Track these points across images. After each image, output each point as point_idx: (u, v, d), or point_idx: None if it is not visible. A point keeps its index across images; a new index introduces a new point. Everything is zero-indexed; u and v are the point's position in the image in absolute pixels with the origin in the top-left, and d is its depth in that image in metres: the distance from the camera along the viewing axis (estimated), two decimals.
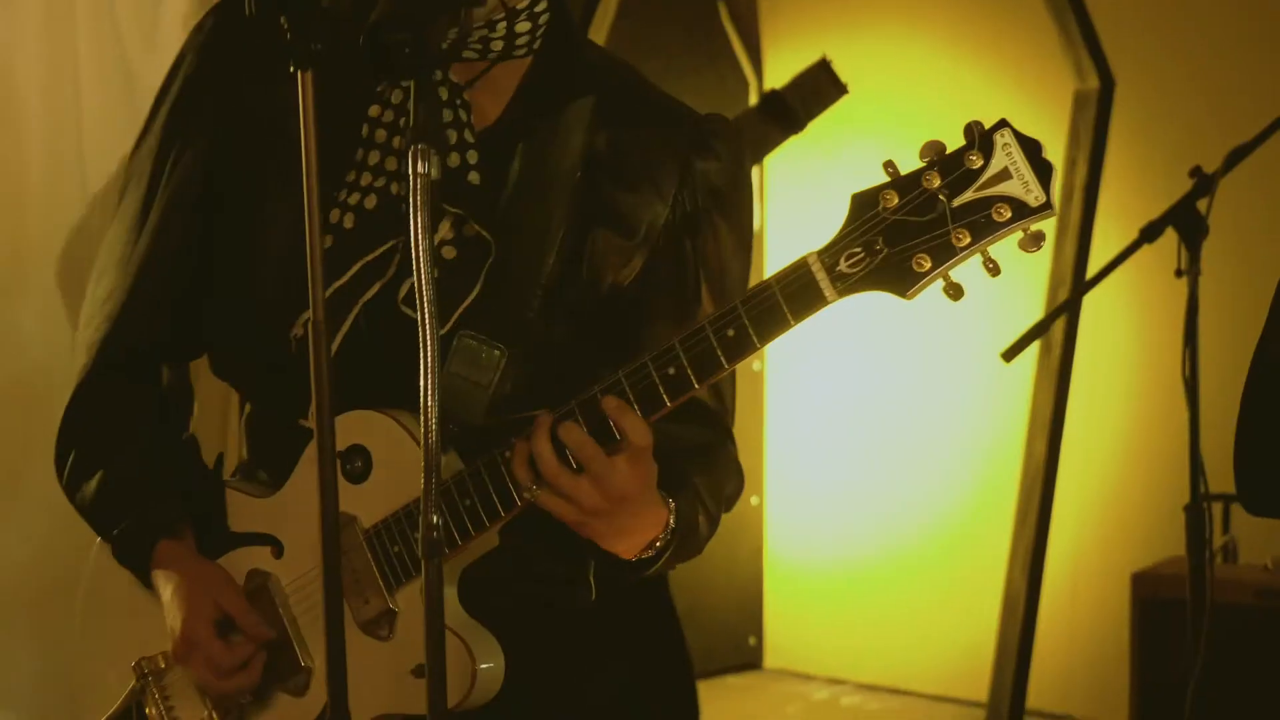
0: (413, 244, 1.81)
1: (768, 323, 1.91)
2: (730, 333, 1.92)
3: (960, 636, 6.05)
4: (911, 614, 6.23)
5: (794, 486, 6.47)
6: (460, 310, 2.08)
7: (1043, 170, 1.83)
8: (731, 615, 6.45)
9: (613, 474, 1.96)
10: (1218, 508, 4.84)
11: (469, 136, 2.11)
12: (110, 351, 2.23)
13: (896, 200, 1.87)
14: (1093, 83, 5.23)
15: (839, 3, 6.18)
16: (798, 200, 6.25)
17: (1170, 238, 3.66)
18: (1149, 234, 3.70)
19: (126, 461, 2.20)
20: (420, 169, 1.84)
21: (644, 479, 1.99)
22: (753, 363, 6.41)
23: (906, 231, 1.87)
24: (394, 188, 2.10)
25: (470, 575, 2.07)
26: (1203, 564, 3.67)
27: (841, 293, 1.90)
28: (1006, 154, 1.84)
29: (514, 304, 2.09)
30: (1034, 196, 1.83)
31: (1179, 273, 3.61)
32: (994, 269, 1.86)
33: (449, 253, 2.09)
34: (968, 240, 1.84)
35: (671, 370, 1.93)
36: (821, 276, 1.89)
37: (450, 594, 2.05)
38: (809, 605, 6.44)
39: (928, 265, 1.86)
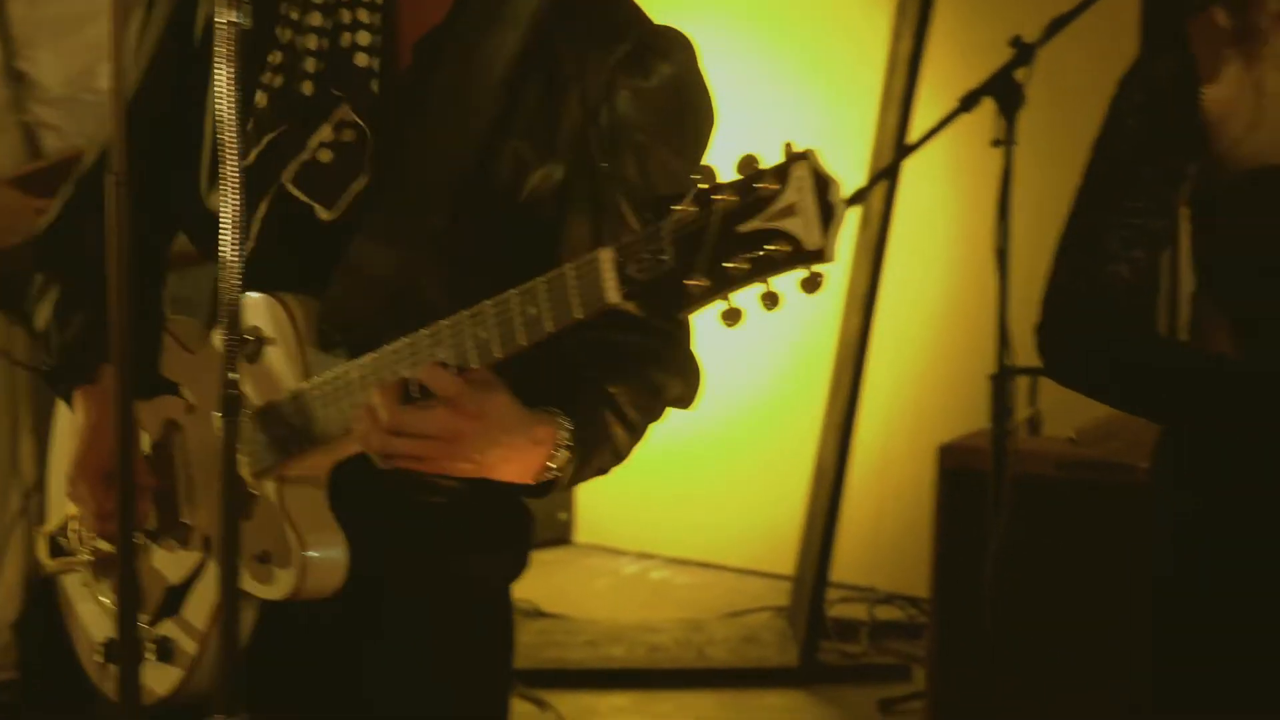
0: (216, 100, 1.81)
1: (558, 309, 1.86)
2: (532, 311, 1.87)
3: (770, 511, 6.09)
4: (722, 489, 6.26)
5: None
6: (350, 198, 2.06)
7: (827, 212, 1.72)
8: None
9: (429, 422, 1.94)
10: (1025, 381, 4.89)
11: (364, 17, 2.08)
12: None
13: (694, 213, 1.77)
14: None
15: None
16: None
17: (989, 108, 3.66)
18: (967, 103, 3.69)
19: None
20: (231, 18, 1.83)
21: (476, 412, 1.95)
22: None
23: (693, 248, 1.77)
24: (309, 65, 2.09)
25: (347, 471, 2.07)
26: (1004, 434, 3.70)
27: (625, 298, 1.82)
28: (798, 188, 1.73)
29: (418, 203, 2.05)
30: (812, 239, 1.72)
31: (996, 142, 3.61)
32: (772, 301, 1.76)
33: (328, 136, 2.07)
34: (746, 270, 1.75)
35: (484, 334, 1.90)
36: (609, 275, 1.82)
37: (313, 492, 2.07)
38: (620, 480, 6.37)
39: (705, 286, 1.77)
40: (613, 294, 1.81)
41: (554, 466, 2.05)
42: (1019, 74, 3.60)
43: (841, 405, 5.35)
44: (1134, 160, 2.24)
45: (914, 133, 5.15)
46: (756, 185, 1.74)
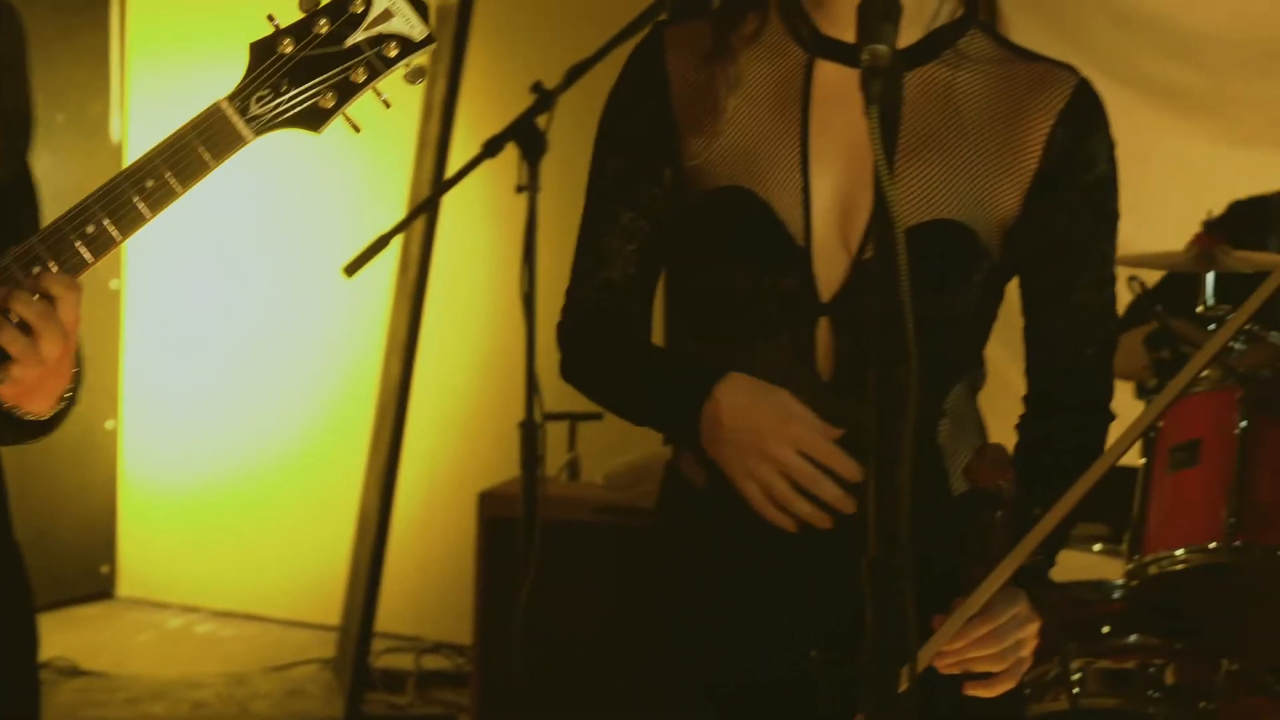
0: None
1: (187, 169, 2.01)
2: (150, 184, 1.99)
3: (315, 560, 6.01)
4: (267, 538, 6.15)
5: (152, 409, 6.31)
6: None
7: (419, 7, 2.00)
8: (82, 543, 6.25)
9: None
10: (565, 426, 4.92)
11: None
12: None
13: (293, 46, 2.01)
14: None
15: None
16: (161, 107, 6.06)
17: (514, 153, 3.67)
18: (491, 149, 3.70)
19: None
20: None
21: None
22: (110, 280, 6.20)
23: (309, 72, 2.01)
24: None
25: None
26: (534, 481, 3.72)
27: (258, 131, 2.02)
28: None
29: None
30: (417, 31, 2.00)
31: (520, 188, 3.62)
32: (356, 128, 2.06)
33: None
34: (364, 76, 2.01)
35: (91, 229, 1.99)
36: (236, 119, 2.00)
37: None
38: (165, 531, 6.30)
39: (333, 102, 2.02)
40: (247, 133, 2.02)
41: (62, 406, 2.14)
42: (540, 120, 3.62)
43: (384, 452, 5.30)
44: (620, 165, 2.27)
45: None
46: (347, 5, 2.01)
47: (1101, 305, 2.28)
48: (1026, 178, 2.19)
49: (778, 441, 2.12)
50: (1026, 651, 2.16)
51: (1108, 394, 2.33)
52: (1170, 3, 5.20)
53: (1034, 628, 2.16)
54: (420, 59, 2.03)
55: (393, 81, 2.04)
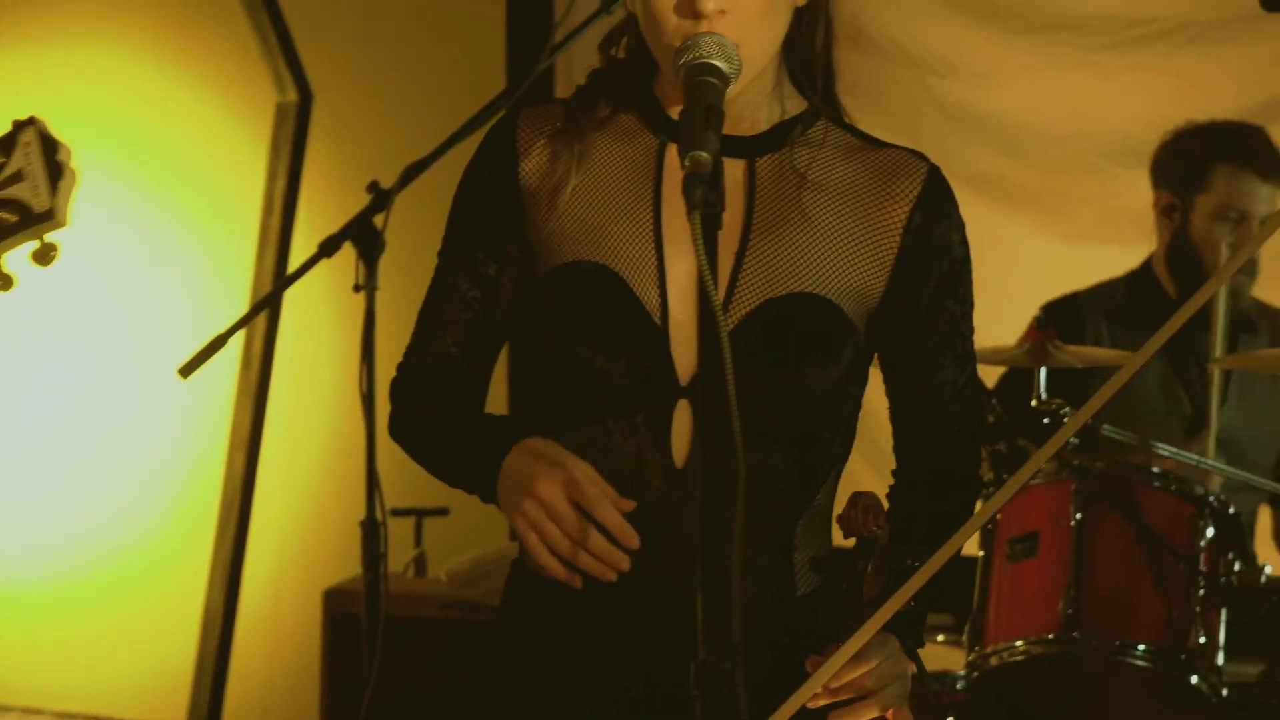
0: None
1: None
2: None
3: (160, 657, 5.92)
4: (110, 635, 6.05)
5: None
6: None
7: (55, 173, 1.71)
8: None
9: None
10: (411, 522, 4.90)
11: None
12: None
13: None
14: (292, 95, 5.22)
15: (27, 11, 5.94)
16: None
17: (351, 252, 3.66)
18: (327, 249, 3.67)
19: None
20: None
21: None
22: None
23: None
24: None
25: None
26: (376, 579, 3.69)
27: None
28: (26, 154, 1.70)
29: None
30: (40, 202, 1.71)
31: (357, 287, 3.60)
32: (5, 283, 1.74)
33: None
34: None
35: None
36: None
37: None
38: (4, 629, 6.18)
39: None
40: None
41: None
42: (378, 219, 3.61)
43: (228, 549, 5.25)
44: (465, 237, 2.29)
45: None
46: None
47: (965, 383, 2.31)
48: (888, 262, 2.21)
49: (547, 484, 2.11)
50: (895, 690, 2.17)
51: (975, 464, 2.35)
52: (1001, 101, 5.31)
53: (906, 669, 2.18)
54: (49, 233, 1.69)
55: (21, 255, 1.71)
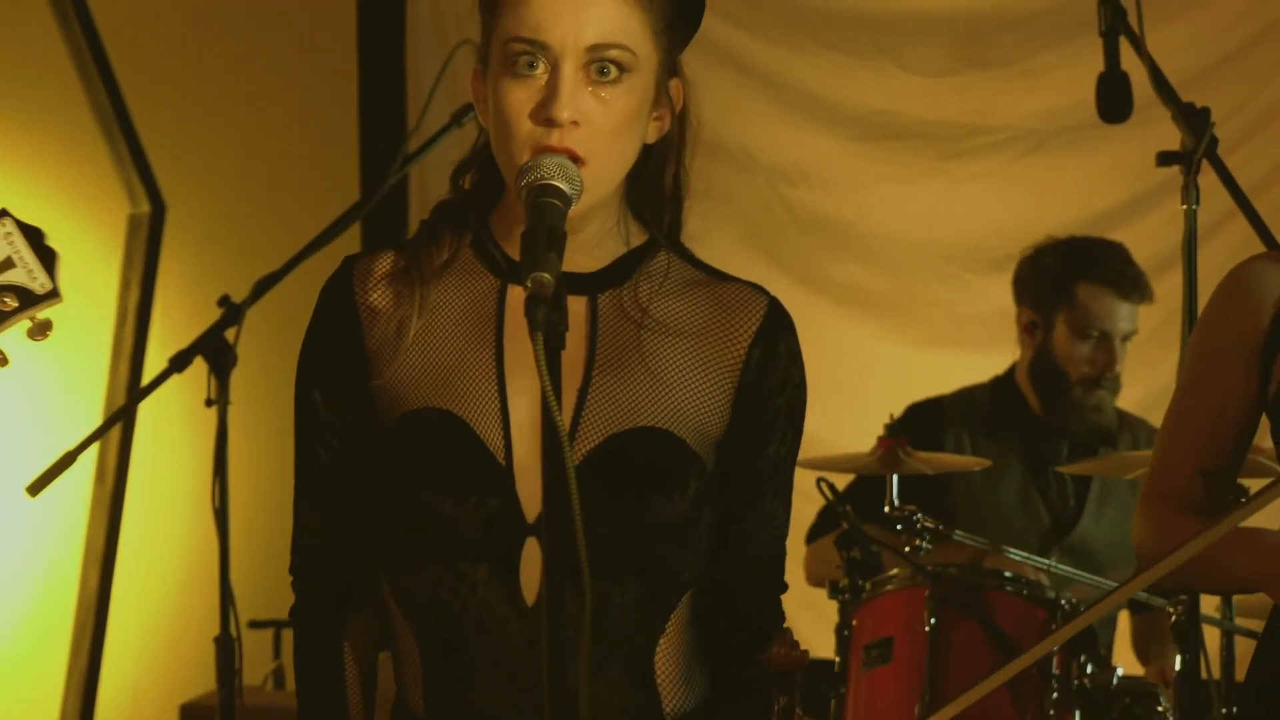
0: None
1: None
2: None
3: None
4: None
5: None
6: None
7: (46, 257, 1.88)
8: None
9: None
10: (267, 634, 4.85)
11: None
12: None
13: None
14: (145, 206, 5.19)
15: None
16: None
17: (204, 365, 3.63)
18: (178, 363, 3.65)
19: None
20: None
21: None
22: None
23: None
24: None
25: None
26: (231, 693, 3.66)
27: None
28: (9, 242, 1.85)
29: None
30: (39, 284, 1.89)
31: (209, 402, 3.58)
32: (2, 360, 1.89)
33: None
34: None
35: None
36: None
37: None
38: None
39: None
40: None
41: None
42: (229, 333, 3.60)
43: (84, 664, 5.17)
44: (321, 399, 2.26)
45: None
46: None
47: (785, 517, 2.31)
48: (729, 395, 2.22)
49: None
50: None
51: (777, 620, 2.34)
52: (852, 207, 5.41)
53: None
54: (45, 313, 1.86)
55: (16, 333, 1.85)
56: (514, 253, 2.22)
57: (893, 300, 5.38)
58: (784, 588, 2.34)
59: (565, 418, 2.16)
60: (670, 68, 2.21)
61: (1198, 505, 2.62)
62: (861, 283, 5.40)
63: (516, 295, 2.22)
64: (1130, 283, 4.30)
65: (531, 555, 2.17)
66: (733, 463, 2.24)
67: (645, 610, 2.20)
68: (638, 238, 2.26)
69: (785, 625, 2.19)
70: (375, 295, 2.23)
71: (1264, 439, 2.77)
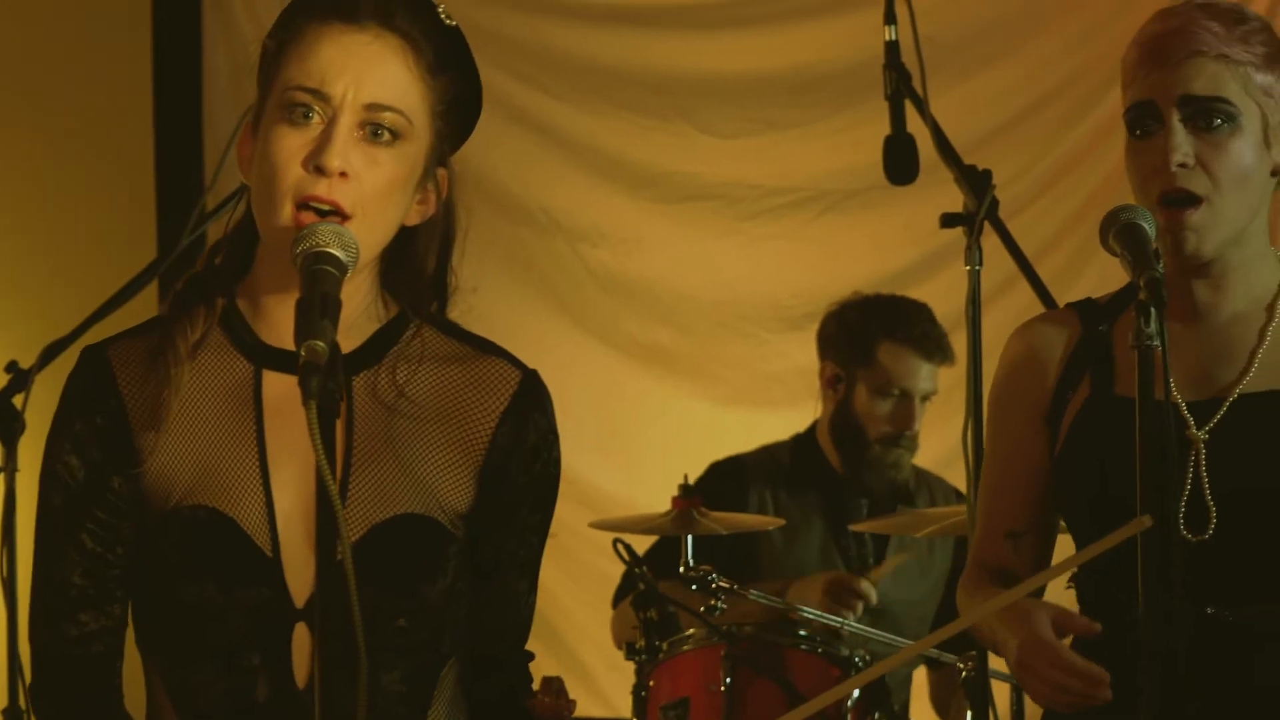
0: None
1: None
2: None
3: None
4: None
5: None
6: None
7: None
8: None
9: None
10: None
11: None
12: None
13: None
14: None
15: None
16: None
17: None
18: None
19: None
20: None
21: None
22: None
23: None
24: None
25: None
26: None
27: None
28: None
29: None
30: None
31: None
32: None
33: None
34: None
35: None
36: None
37: None
38: None
39: None
40: None
41: None
42: (17, 399, 3.56)
43: None
44: (71, 488, 2.24)
45: None
46: None
47: (530, 593, 2.35)
48: (475, 472, 2.24)
49: None
50: None
51: (526, 686, 2.38)
52: (651, 267, 5.49)
53: None
54: None
55: None
56: (263, 333, 2.23)
57: (693, 359, 5.46)
58: (529, 656, 2.37)
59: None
60: (441, 155, 2.24)
61: (1011, 570, 2.66)
62: (662, 342, 5.48)
63: (272, 382, 2.22)
64: (933, 344, 4.39)
65: (301, 641, 2.18)
66: (479, 538, 2.26)
67: (413, 686, 2.22)
68: (389, 312, 2.27)
69: (556, 676, 2.22)
70: (135, 379, 2.22)
71: None
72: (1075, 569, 2.63)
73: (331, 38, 2.17)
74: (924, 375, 4.39)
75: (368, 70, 2.16)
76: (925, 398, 4.40)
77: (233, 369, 2.23)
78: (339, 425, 2.12)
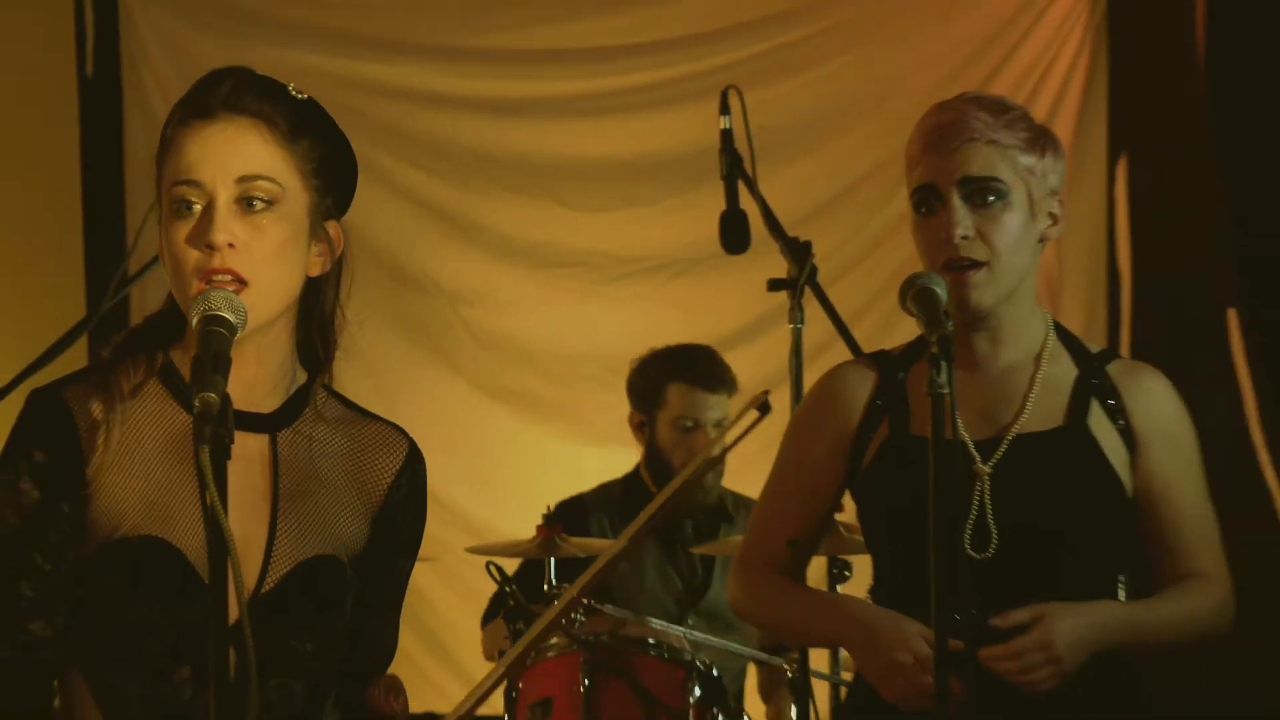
0: None
1: None
2: None
3: None
4: None
5: None
6: None
7: None
8: None
9: None
10: None
11: None
12: None
13: None
14: None
15: None
16: None
17: None
18: None
19: None
20: None
21: None
22: None
23: None
24: None
25: None
26: None
27: None
28: None
29: None
30: None
31: None
32: None
33: None
34: None
35: None
36: None
37: None
38: None
39: None
40: None
41: None
42: None
43: None
44: (26, 509, 2.36)
45: None
46: None
47: (397, 624, 2.60)
48: (371, 517, 2.48)
49: None
50: None
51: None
52: (523, 326, 6.01)
53: None
54: None
55: None
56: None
57: (562, 405, 5.95)
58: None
59: (260, 546, 2.38)
60: (327, 210, 2.41)
61: (785, 569, 3.05)
62: (534, 389, 5.96)
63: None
64: (716, 379, 4.97)
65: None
66: (365, 576, 2.48)
67: (312, 699, 2.46)
68: (301, 377, 2.46)
69: (391, 674, 2.52)
70: (87, 418, 2.36)
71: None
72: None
73: (192, 135, 2.34)
74: (710, 405, 4.96)
75: (229, 151, 2.32)
76: (717, 424, 4.94)
77: (173, 417, 2.39)
78: (266, 472, 2.40)
